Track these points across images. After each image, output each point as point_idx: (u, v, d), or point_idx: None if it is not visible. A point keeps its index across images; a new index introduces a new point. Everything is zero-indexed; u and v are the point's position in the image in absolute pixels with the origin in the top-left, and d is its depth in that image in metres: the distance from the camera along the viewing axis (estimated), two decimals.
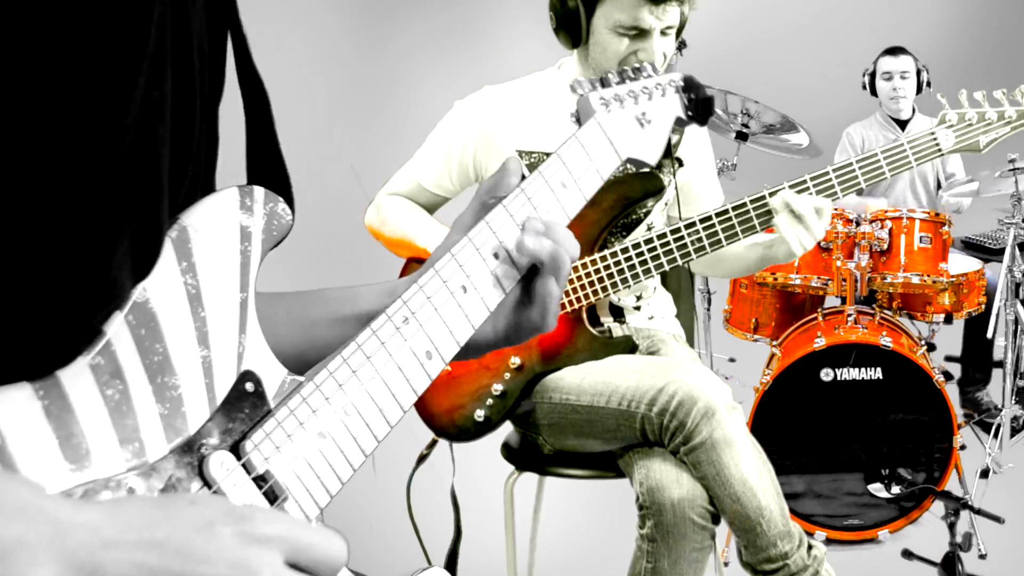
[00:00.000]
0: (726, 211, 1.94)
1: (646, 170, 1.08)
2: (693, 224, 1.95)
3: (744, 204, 1.94)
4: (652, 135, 1.02)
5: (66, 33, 0.59)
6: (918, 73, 4.13)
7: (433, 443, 2.14)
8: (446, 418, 1.97)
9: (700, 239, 1.94)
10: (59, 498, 0.60)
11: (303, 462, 0.75)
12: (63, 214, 0.61)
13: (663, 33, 1.98)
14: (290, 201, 0.78)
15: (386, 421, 0.79)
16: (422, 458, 2.15)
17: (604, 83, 0.99)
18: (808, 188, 1.94)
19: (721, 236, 1.94)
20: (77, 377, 0.65)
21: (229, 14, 0.78)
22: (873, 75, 4.20)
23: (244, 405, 0.73)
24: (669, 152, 2.12)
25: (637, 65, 1.03)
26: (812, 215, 1.89)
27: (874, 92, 4.23)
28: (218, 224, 0.73)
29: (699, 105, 1.07)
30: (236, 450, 0.72)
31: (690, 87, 1.07)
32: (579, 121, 0.97)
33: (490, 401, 1.97)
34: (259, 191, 0.76)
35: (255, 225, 0.75)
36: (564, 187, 0.93)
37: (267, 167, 0.80)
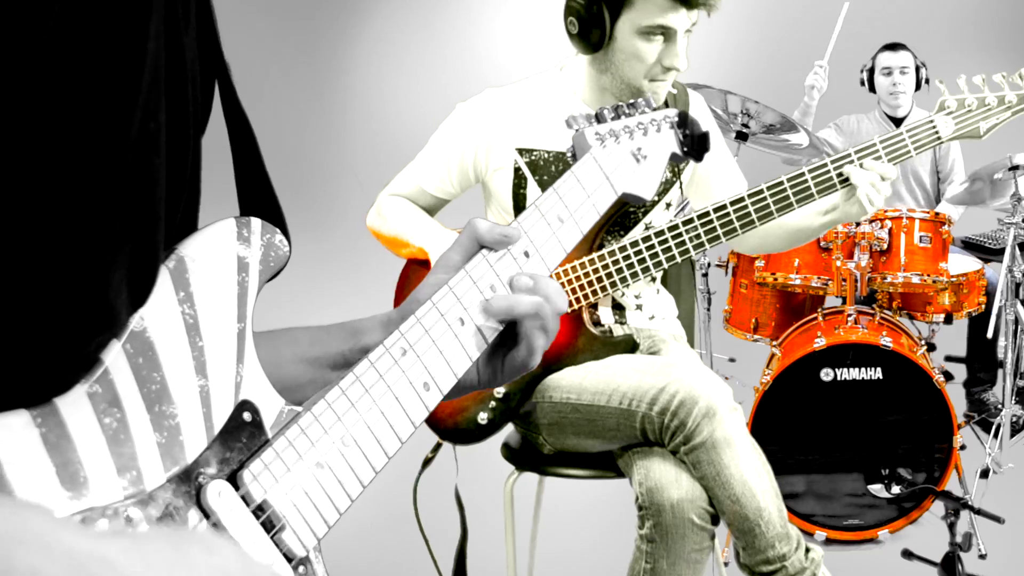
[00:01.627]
0: (724, 206, 1.95)
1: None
2: (691, 220, 1.95)
3: (742, 199, 1.95)
4: (648, 170, 1.03)
5: (63, 65, 0.59)
6: (917, 69, 4.12)
7: (438, 446, 2.15)
8: (449, 421, 1.98)
9: (698, 235, 1.95)
10: (77, 528, 0.60)
11: (301, 492, 0.75)
12: (60, 242, 0.62)
13: (685, 32, 1.98)
14: (286, 233, 0.79)
15: (384, 452, 0.80)
16: (427, 461, 2.16)
17: (599, 119, 1.00)
18: (806, 180, 1.95)
19: (720, 232, 1.95)
20: (75, 405, 0.65)
21: (212, 41, 0.78)
22: (872, 71, 4.19)
23: (242, 435, 0.73)
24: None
25: (633, 101, 1.04)
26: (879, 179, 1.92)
27: (872, 88, 4.22)
28: (215, 254, 0.74)
29: (695, 141, 1.08)
30: (234, 479, 0.72)
31: (685, 123, 1.08)
32: (575, 156, 0.98)
33: (492, 403, 1.97)
34: (256, 222, 0.77)
35: (252, 256, 0.76)
36: (561, 222, 0.94)
37: (258, 198, 0.81)
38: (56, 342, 0.64)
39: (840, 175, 1.95)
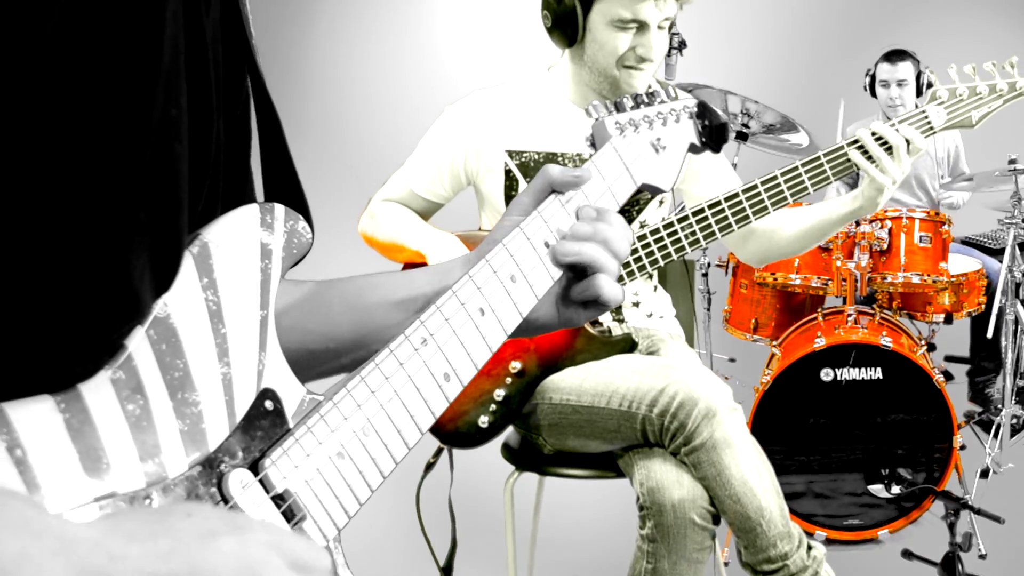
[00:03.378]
0: (717, 202, 1.95)
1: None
2: (686, 218, 1.96)
3: (736, 194, 1.95)
4: (667, 161, 1.02)
5: (81, 52, 0.59)
6: (918, 76, 4.06)
7: (439, 451, 2.15)
8: (450, 425, 1.97)
9: (693, 232, 1.96)
10: (60, 517, 0.60)
11: (322, 481, 0.74)
12: (84, 229, 0.62)
13: (659, 27, 1.97)
14: (309, 220, 0.78)
15: (404, 442, 0.79)
16: (429, 466, 2.15)
17: (619, 108, 0.98)
18: (800, 174, 1.95)
19: (715, 227, 1.95)
20: (98, 391, 0.65)
21: (237, 24, 0.77)
22: (873, 78, 4.15)
23: (264, 423, 0.73)
24: None
25: (652, 91, 1.03)
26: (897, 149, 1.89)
27: (874, 94, 4.19)
28: (239, 241, 0.73)
29: (713, 131, 1.07)
30: (255, 468, 0.72)
31: (704, 113, 1.07)
32: (594, 145, 0.97)
33: (493, 407, 1.97)
34: (280, 209, 0.76)
35: (275, 243, 0.75)
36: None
37: (283, 185, 0.80)
38: (80, 327, 0.64)
39: (838, 158, 1.94)
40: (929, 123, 1.95)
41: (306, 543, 0.64)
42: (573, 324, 0.92)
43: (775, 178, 1.95)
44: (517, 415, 2.00)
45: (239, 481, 0.70)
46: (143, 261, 0.66)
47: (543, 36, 2.08)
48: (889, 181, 1.93)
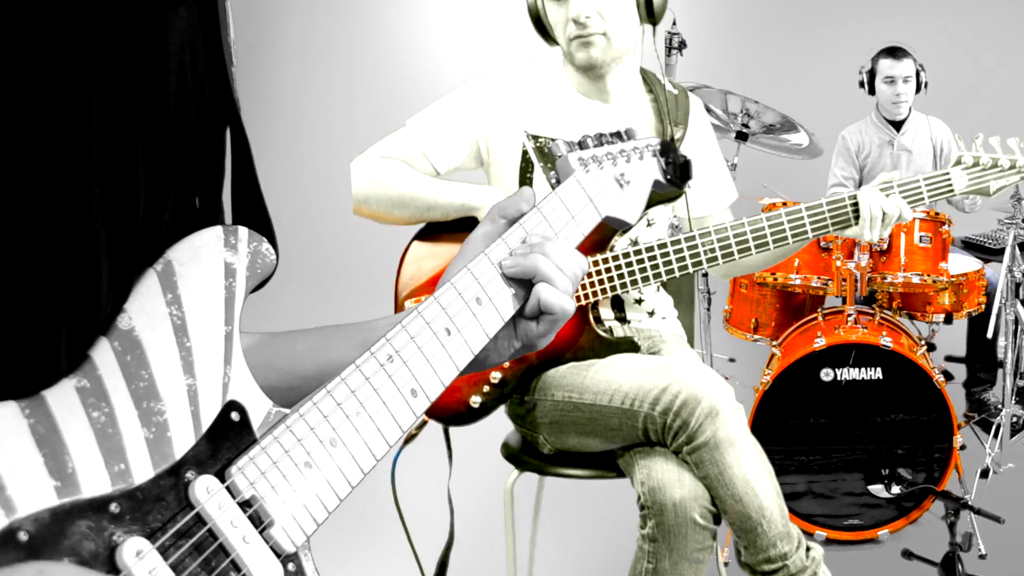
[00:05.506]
0: (742, 225, 1.99)
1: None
2: (708, 234, 1.97)
3: (760, 222, 1.98)
4: (631, 195, 1.06)
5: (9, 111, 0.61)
6: (917, 75, 4.08)
7: (423, 424, 2.10)
8: (440, 401, 1.95)
9: (713, 249, 1.97)
10: None
11: (289, 489, 0.76)
12: (37, 236, 0.63)
13: None
14: (274, 243, 0.80)
15: (372, 454, 0.81)
16: (410, 438, 2.11)
17: (582, 145, 1.02)
18: (824, 216, 2.01)
19: (734, 249, 1.98)
20: (63, 398, 0.66)
21: (218, 61, 0.79)
22: (872, 74, 4.14)
23: (229, 434, 0.75)
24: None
25: (616, 131, 1.07)
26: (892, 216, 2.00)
27: (872, 91, 4.18)
28: (203, 260, 0.75)
29: (676, 169, 1.11)
30: (221, 476, 0.73)
31: (667, 151, 1.11)
32: (559, 180, 1.00)
33: (487, 388, 1.96)
34: (243, 231, 0.78)
35: (239, 263, 0.77)
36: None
37: (249, 209, 0.83)
38: (39, 335, 0.65)
39: (854, 206, 2.02)
40: (951, 186, 2.09)
41: None
42: (530, 340, 0.93)
43: (799, 212, 2.01)
44: (508, 397, 2.00)
45: (205, 487, 0.72)
46: (102, 265, 0.67)
47: (525, 34, 2.16)
48: (874, 239, 2.02)
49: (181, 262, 0.74)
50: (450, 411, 1.96)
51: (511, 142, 2.07)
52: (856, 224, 2.01)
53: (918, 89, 4.09)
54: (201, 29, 0.77)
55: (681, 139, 2.16)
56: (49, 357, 0.66)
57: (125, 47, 0.67)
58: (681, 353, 2.11)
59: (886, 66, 4.09)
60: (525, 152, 2.06)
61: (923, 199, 2.05)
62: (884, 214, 1.99)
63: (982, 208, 3.88)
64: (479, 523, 2.22)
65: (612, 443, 1.98)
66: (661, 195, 1.92)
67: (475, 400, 1.95)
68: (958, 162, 2.13)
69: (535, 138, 2.04)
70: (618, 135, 1.06)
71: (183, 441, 0.71)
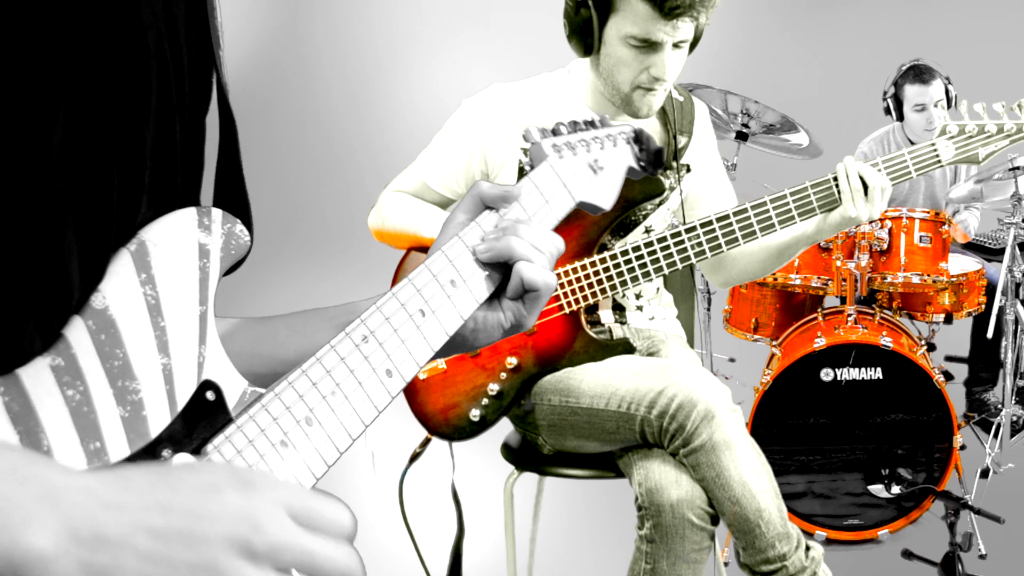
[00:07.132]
0: (726, 216, 1.95)
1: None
2: (693, 228, 1.95)
3: (745, 209, 1.95)
4: (605, 181, 1.06)
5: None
6: (946, 91, 3.83)
7: (427, 441, 2.12)
8: (440, 417, 1.96)
9: (700, 243, 1.95)
10: (49, 462, 0.60)
11: (265, 468, 0.76)
12: (13, 216, 0.63)
13: (676, 46, 1.95)
14: (249, 225, 0.81)
15: (348, 434, 0.81)
16: (415, 456, 2.13)
17: (556, 132, 1.03)
18: (809, 196, 1.95)
19: (721, 240, 1.94)
20: (38, 376, 0.66)
21: (204, 34, 0.79)
22: (897, 100, 3.90)
23: (205, 413, 0.75)
24: (676, 157, 2.12)
25: (589, 119, 1.07)
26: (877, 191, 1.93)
27: (900, 118, 3.95)
28: (177, 240, 0.76)
29: (649, 155, 1.12)
30: (198, 455, 0.74)
31: (640, 139, 1.12)
32: (532, 166, 1.00)
33: (485, 401, 1.96)
34: (217, 212, 0.79)
35: (213, 244, 0.78)
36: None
37: (231, 191, 0.83)
38: (12, 311, 0.65)
39: (824, 189, 1.96)
40: (937, 156, 2.01)
41: (326, 502, 0.63)
42: (518, 320, 0.93)
43: (784, 197, 1.96)
44: (509, 411, 2.00)
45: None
46: (72, 247, 0.68)
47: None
48: (866, 217, 1.95)
49: (155, 242, 0.74)
50: (451, 426, 1.97)
51: (509, 158, 2.07)
52: (842, 202, 1.95)
53: (949, 105, 3.84)
54: (187, 13, 0.77)
55: (685, 148, 2.15)
56: (21, 336, 0.66)
57: (98, 29, 0.67)
58: (679, 354, 2.11)
59: (915, 93, 3.84)
60: (522, 169, 2.06)
61: (910, 172, 1.98)
62: (866, 186, 1.93)
63: (982, 208, 3.87)
64: (478, 523, 2.22)
65: (610, 445, 1.98)
66: (647, 188, 1.94)
67: (475, 414, 1.95)
68: (943, 131, 2.04)
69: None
70: (591, 123, 1.06)
71: (158, 420, 0.72)
